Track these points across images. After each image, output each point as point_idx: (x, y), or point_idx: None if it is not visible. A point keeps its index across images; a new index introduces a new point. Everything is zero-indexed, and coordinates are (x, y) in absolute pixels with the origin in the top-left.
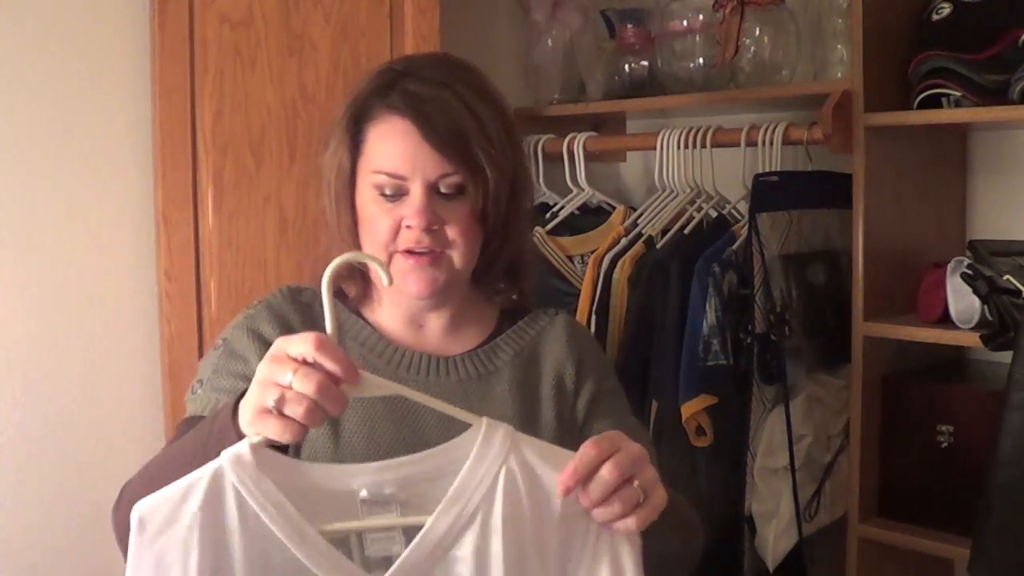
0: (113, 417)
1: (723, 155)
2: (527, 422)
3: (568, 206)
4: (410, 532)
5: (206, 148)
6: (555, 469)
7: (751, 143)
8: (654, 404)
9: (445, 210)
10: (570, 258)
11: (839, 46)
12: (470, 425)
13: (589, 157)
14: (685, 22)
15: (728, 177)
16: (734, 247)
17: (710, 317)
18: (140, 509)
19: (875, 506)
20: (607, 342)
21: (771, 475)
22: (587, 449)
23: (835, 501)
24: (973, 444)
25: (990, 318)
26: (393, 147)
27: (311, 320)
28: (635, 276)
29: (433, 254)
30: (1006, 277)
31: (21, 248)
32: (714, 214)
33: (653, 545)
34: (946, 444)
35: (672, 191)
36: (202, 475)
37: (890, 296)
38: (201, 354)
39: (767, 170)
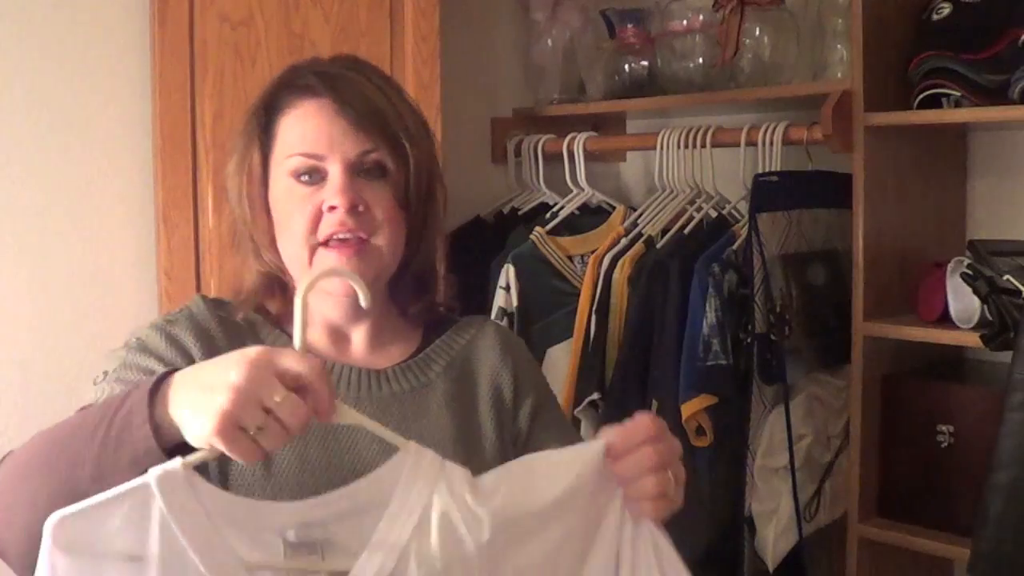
0: None
1: (723, 155)
2: (466, 437)
3: (568, 206)
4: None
5: (206, 148)
6: (489, 496)
7: (751, 143)
8: (654, 404)
9: (368, 191)
10: (570, 258)
11: (839, 46)
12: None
13: (589, 157)
14: (685, 22)
15: (728, 177)
16: (734, 247)
17: (710, 317)
18: (55, 520)
19: (875, 506)
20: (607, 342)
21: (771, 475)
22: (644, 420)
23: (835, 501)
24: (973, 444)
25: (990, 318)
26: (309, 126)
27: (236, 335)
28: (635, 276)
29: (359, 242)
30: (1006, 277)
31: (21, 248)
32: (714, 214)
33: None
34: (946, 444)
35: (672, 191)
36: (126, 493)
37: (890, 296)
38: None
39: (767, 170)
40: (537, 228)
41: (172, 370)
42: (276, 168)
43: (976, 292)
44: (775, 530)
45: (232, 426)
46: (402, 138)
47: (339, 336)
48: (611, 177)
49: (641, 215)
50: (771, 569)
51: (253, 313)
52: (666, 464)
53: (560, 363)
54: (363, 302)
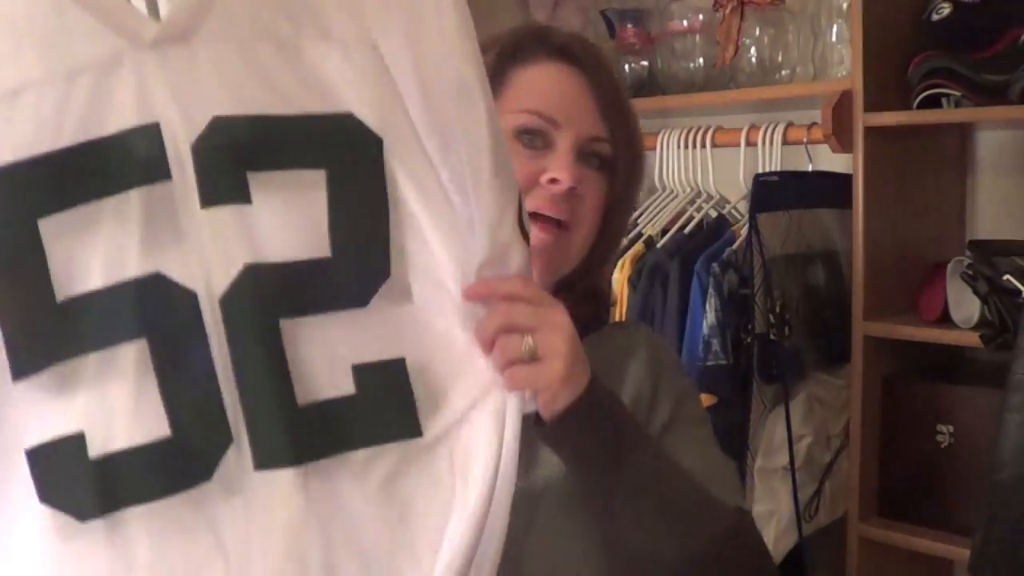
0: None
1: (723, 155)
2: None
3: None
4: None
5: None
6: None
7: (751, 143)
8: None
9: (586, 179)
10: None
11: (839, 46)
12: None
13: None
14: (685, 22)
15: (728, 177)
16: (734, 247)
17: (710, 317)
18: None
19: (875, 506)
20: None
21: (771, 475)
22: (511, 277)
23: (835, 501)
24: (973, 444)
25: (990, 318)
26: (552, 88)
27: None
28: (635, 276)
29: (559, 227)
30: (1006, 277)
31: None
32: (714, 214)
33: (629, 534)
34: (946, 444)
35: (672, 191)
36: None
37: (890, 296)
38: None
39: (767, 170)
40: None
41: None
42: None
43: (976, 292)
44: (775, 530)
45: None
46: (634, 140)
47: None
48: None
49: (641, 215)
50: None
51: None
52: (521, 326)
53: None
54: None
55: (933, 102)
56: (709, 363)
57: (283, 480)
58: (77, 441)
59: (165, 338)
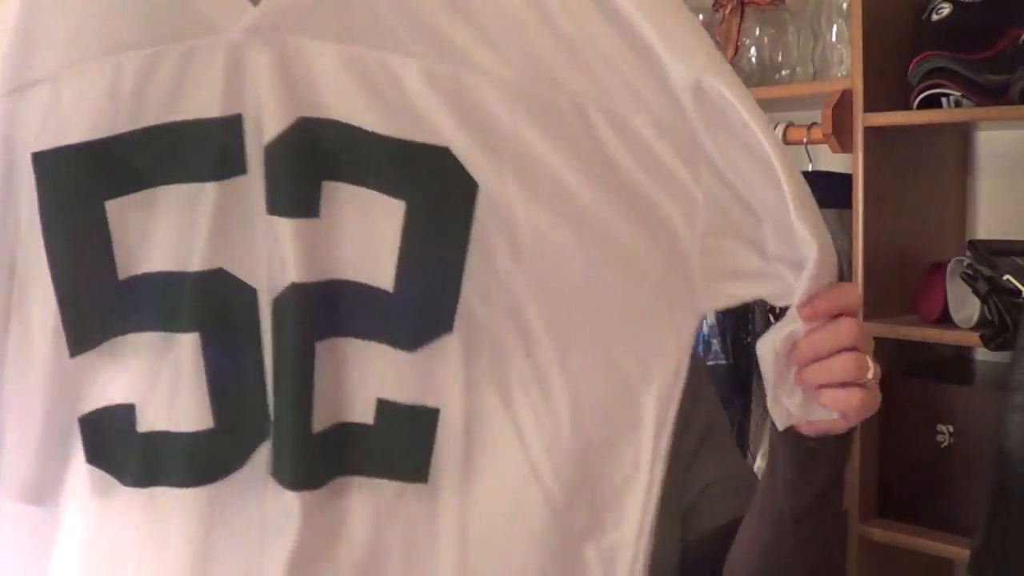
0: None
1: None
2: None
3: None
4: None
5: None
6: None
7: None
8: None
9: None
10: None
11: (839, 46)
12: None
13: None
14: None
15: None
16: None
17: (710, 317)
18: None
19: (875, 506)
20: None
21: None
22: (851, 286)
23: None
24: (973, 444)
25: (990, 318)
26: None
27: None
28: None
29: None
30: (1006, 277)
31: None
32: None
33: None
34: (946, 444)
35: None
36: None
37: (890, 296)
38: None
39: None
40: None
41: None
42: None
43: (976, 292)
44: None
45: None
46: None
47: None
48: None
49: None
50: None
51: None
52: (864, 345)
53: None
54: None
55: (933, 102)
56: (709, 363)
57: (287, 499)
58: (128, 411)
59: (220, 334)
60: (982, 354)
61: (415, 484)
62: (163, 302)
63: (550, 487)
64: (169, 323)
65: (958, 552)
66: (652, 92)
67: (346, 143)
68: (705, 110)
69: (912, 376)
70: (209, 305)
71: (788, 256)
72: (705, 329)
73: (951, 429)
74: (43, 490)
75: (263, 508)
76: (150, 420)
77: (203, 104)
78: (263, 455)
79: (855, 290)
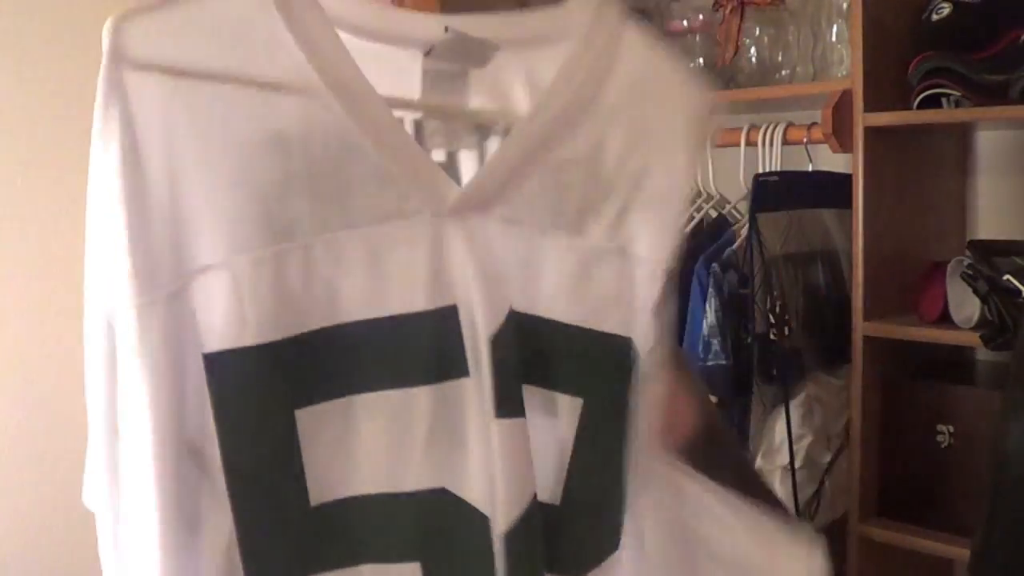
0: None
1: (723, 155)
2: None
3: None
4: (486, 120)
5: None
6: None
7: (751, 143)
8: None
9: None
10: None
11: (839, 46)
12: None
13: None
14: (685, 22)
15: (728, 177)
16: (734, 247)
17: (710, 317)
18: (115, 25)
19: (875, 506)
20: None
21: (771, 475)
22: None
23: (835, 501)
24: (973, 444)
25: (990, 318)
26: None
27: None
28: None
29: None
30: (1006, 277)
31: (21, 246)
32: (714, 214)
33: None
34: (946, 444)
35: None
36: None
37: (890, 296)
38: None
39: (767, 170)
40: None
41: None
42: None
43: (976, 292)
44: None
45: None
46: None
47: None
48: None
49: None
50: None
51: None
52: None
53: None
54: None
55: (933, 102)
56: (709, 363)
57: None
58: None
59: (445, 564)
60: (982, 354)
61: None
62: (371, 530)
63: None
64: (381, 553)
65: (958, 552)
66: None
67: (542, 340)
68: None
69: (912, 376)
70: (431, 531)
71: None
72: (705, 329)
73: (951, 429)
74: None
75: None
76: None
77: (407, 295)
78: None
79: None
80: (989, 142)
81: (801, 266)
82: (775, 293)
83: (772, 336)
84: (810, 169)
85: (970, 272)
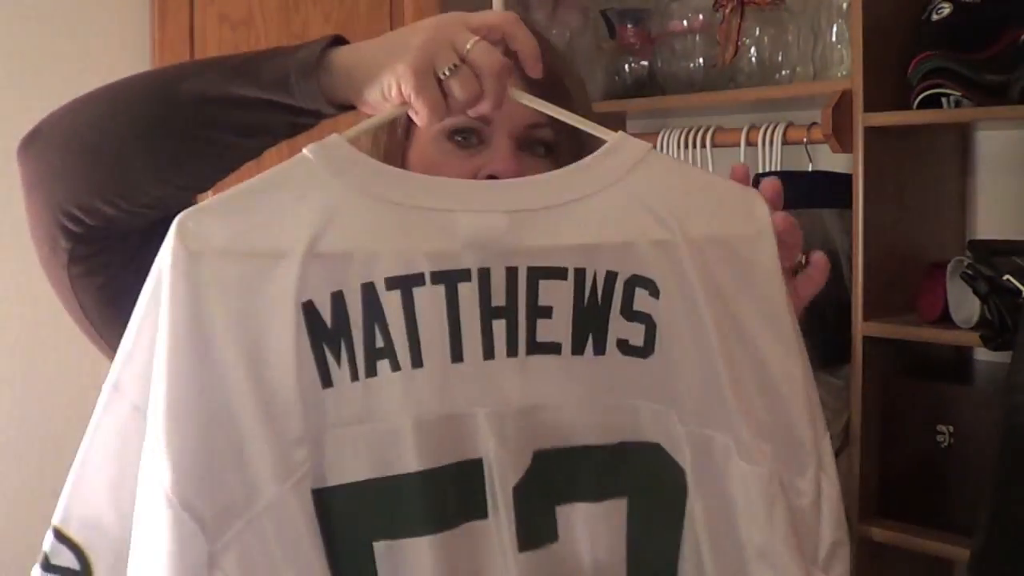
0: None
1: (723, 155)
2: None
3: None
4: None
5: None
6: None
7: (751, 143)
8: None
9: (529, 169)
10: None
11: (839, 46)
12: None
13: None
14: (685, 22)
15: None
16: None
17: None
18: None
19: (875, 506)
20: None
21: None
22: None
23: None
24: (973, 444)
25: (990, 318)
26: None
27: None
28: None
29: None
30: (1006, 277)
31: (21, 246)
32: None
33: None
34: (946, 444)
35: None
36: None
37: (890, 296)
38: None
39: (767, 170)
40: None
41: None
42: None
43: (976, 292)
44: None
45: (426, 65)
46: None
47: None
48: None
49: None
50: None
51: None
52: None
53: None
54: None
55: (933, 102)
56: None
57: None
58: None
59: None
60: (982, 354)
61: None
62: None
63: None
64: None
65: (958, 552)
66: None
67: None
68: None
69: (912, 376)
70: None
71: None
72: None
73: (951, 429)
74: None
75: None
76: None
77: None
78: None
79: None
80: (989, 142)
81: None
82: None
83: None
84: (810, 169)
85: (970, 272)
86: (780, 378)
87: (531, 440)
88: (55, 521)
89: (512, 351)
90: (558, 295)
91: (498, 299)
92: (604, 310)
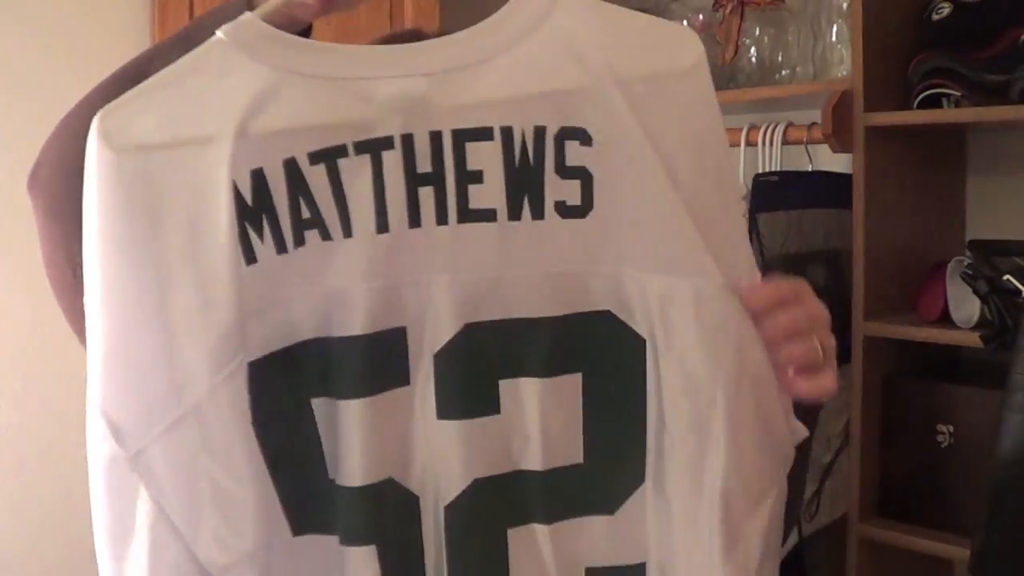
0: None
1: None
2: None
3: None
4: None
5: None
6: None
7: (751, 143)
8: None
9: None
10: None
11: (839, 46)
12: None
13: None
14: (685, 22)
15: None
16: None
17: None
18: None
19: (875, 506)
20: None
21: None
22: (774, 283)
23: (835, 501)
24: (973, 444)
25: (990, 318)
26: None
27: None
28: None
29: None
30: (1006, 277)
31: (21, 246)
32: None
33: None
34: (946, 444)
35: None
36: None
37: (890, 296)
38: None
39: (767, 170)
40: None
41: None
42: None
43: (976, 292)
44: None
45: None
46: None
47: None
48: None
49: None
50: None
51: None
52: (804, 330)
53: None
54: None
55: (933, 102)
56: None
57: None
58: None
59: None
60: (982, 354)
61: None
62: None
63: None
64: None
65: (958, 552)
66: None
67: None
68: None
69: (912, 376)
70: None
71: None
72: None
73: (951, 429)
74: None
75: None
76: None
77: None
78: None
79: (788, 284)
80: (989, 142)
81: (801, 266)
82: None
83: None
84: (810, 169)
85: (970, 272)
86: (714, 214)
87: (460, 310)
88: None
89: (442, 219)
90: (487, 157)
91: (423, 165)
92: (538, 170)
